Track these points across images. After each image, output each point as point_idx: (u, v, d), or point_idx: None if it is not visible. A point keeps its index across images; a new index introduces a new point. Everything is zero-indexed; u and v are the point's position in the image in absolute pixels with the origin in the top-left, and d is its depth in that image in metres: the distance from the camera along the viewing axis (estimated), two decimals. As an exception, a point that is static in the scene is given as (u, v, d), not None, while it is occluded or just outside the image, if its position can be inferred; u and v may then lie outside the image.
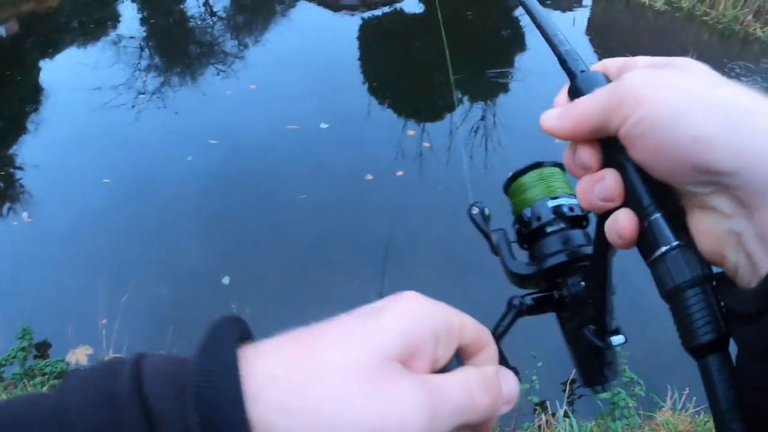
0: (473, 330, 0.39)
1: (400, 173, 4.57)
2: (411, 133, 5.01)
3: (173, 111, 5.89)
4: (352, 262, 3.92)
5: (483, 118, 5.41)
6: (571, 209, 0.53)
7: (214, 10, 7.99)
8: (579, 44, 6.39)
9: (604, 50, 6.41)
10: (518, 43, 6.67)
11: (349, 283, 3.79)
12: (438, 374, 0.34)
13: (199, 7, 8.25)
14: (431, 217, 4.27)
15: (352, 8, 7.41)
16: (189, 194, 4.57)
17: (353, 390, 0.30)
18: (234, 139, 5.14)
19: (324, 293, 3.74)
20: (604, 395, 2.96)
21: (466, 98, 5.70)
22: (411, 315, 0.35)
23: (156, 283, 3.86)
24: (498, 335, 0.56)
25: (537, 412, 3.05)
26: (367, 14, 7.24)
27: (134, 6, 9.00)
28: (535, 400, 3.04)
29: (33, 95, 7.37)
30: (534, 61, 6.11)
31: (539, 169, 0.56)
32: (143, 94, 6.32)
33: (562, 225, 0.53)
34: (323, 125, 5.14)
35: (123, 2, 9.32)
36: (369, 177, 4.52)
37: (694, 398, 2.90)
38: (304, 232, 4.13)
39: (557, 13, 7.56)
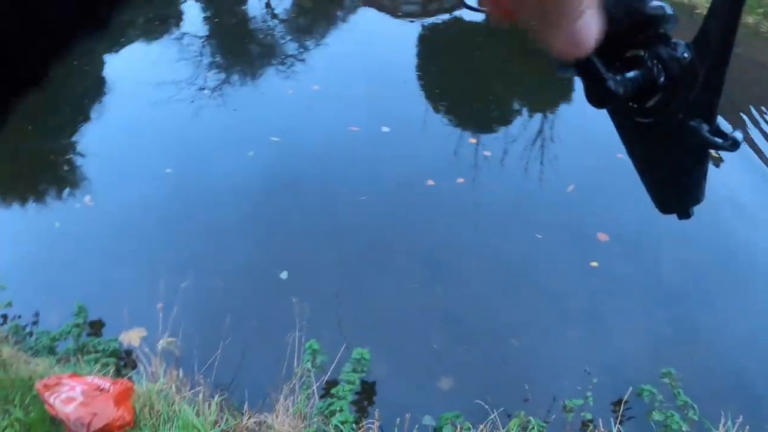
0: None
1: (460, 180, 4.52)
2: (472, 141, 4.96)
3: (233, 108, 5.97)
4: (408, 267, 3.87)
5: (542, 128, 5.33)
6: None
7: (276, 12, 8.09)
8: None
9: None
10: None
11: (403, 288, 3.75)
12: None
13: (262, 8, 8.35)
14: (488, 226, 4.20)
15: (412, 15, 7.41)
16: (249, 188, 4.61)
17: None
18: (296, 137, 5.17)
19: (379, 295, 3.72)
20: (657, 416, 2.87)
21: (526, 108, 5.63)
22: None
23: (214, 274, 3.90)
24: None
25: (590, 429, 2.97)
26: (428, 21, 7.23)
27: (198, 5, 9.19)
28: (588, 416, 2.97)
29: (97, 86, 7.58)
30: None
31: None
32: (204, 90, 6.42)
33: None
34: (384, 129, 5.13)
35: (187, 1, 9.53)
36: (430, 182, 4.49)
37: (747, 427, 2.77)
38: (363, 232, 4.11)
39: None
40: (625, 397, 2.91)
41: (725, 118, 5.12)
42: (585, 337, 3.44)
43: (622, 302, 3.63)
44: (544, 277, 3.81)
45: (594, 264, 3.85)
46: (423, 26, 7.17)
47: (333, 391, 2.77)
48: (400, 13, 7.56)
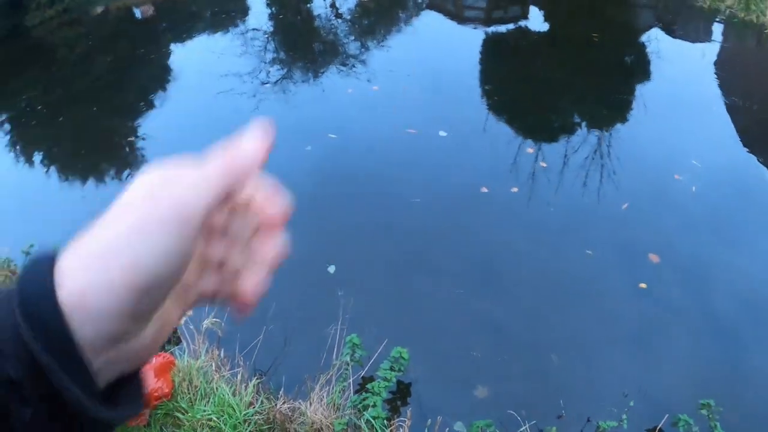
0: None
1: (514, 189, 4.46)
2: (530, 150, 4.89)
3: (293, 103, 6.06)
4: (457, 272, 3.83)
5: (600, 143, 5.21)
6: None
7: (340, 11, 8.20)
8: (706, 80, 6.06)
9: (731, 88, 6.01)
10: (642, 70, 6.40)
11: (449, 292, 3.71)
12: None
13: (326, 7, 8.48)
14: (539, 238, 4.13)
15: (476, 21, 7.40)
16: (305, 181, 4.68)
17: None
18: (353, 135, 5.22)
19: (424, 297, 3.69)
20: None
21: (585, 122, 5.51)
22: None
23: None
24: None
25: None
26: (491, 29, 7.19)
27: (264, 1, 9.40)
28: (623, 439, 2.86)
29: (162, 75, 7.83)
30: (657, 90, 5.84)
31: None
32: (266, 84, 6.54)
33: None
34: (442, 133, 5.12)
35: (254, -6, 9.77)
36: (484, 190, 4.45)
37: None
38: (413, 234, 4.11)
39: (686, 43, 7.19)
40: (660, 425, 2.81)
41: None
42: (626, 359, 3.33)
43: (668, 327, 3.50)
44: (591, 294, 3.71)
45: (642, 285, 3.72)
46: (486, 33, 7.14)
47: (368, 386, 2.75)
48: (463, 19, 7.55)
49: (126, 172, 5.63)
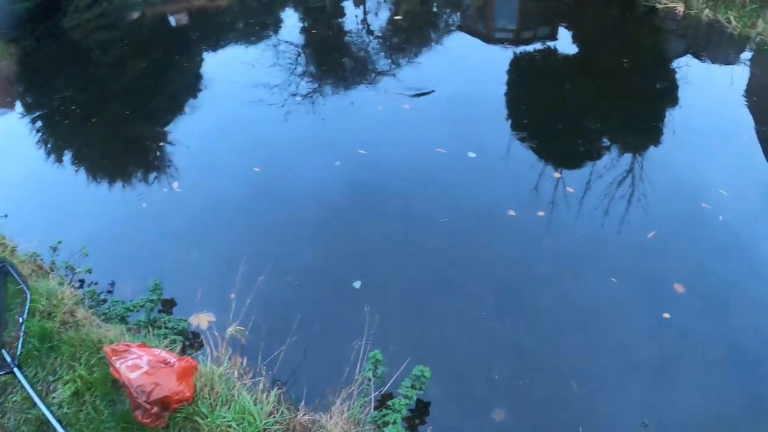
0: None
1: (541, 213, 4.45)
2: (557, 175, 4.88)
3: (321, 117, 6.13)
4: (479, 293, 3.82)
5: (628, 170, 5.17)
6: None
7: (372, 28, 8.28)
8: (735, 107, 5.99)
9: (761, 116, 5.93)
10: (671, 96, 6.35)
11: (471, 313, 3.70)
12: None
13: (358, 24, 8.58)
14: (563, 263, 4.10)
15: (505, 42, 7.42)
16: (333, 195, 4.75)
17: None
18: (382, 152, 5.28)
19: (446, 316, 3.68)
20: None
21: (612, 148, 5.48)
22: None
23: (289, 273, 4.00)
24: None
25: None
26: (520, 49, 7.21)
27: (297, 15, 9.54)
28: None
29: (193, 82, 7.96)
30: (686, 117, 5.79)
31: None
32: (295, 96, 6.61)
33: None
34: (471, 154, 5.14)
35: (286, 10, 9.91)
36: (512, 213, 4.45)
37: None
38: (439, 254, 4.12)
39: (716, 70, 7.12)
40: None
41: None
42: (646, 389, 3.27)
43: (690, 359, 3.44)
44: (613, 322, 3.67)
45: (666, 315, 3.68)
46: (515, 54, 7.16)
47: (389, 403, 2.74)
48: (493, 40, 7.58)
49: (152, 177, 5.71)
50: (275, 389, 2.80)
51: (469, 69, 6.91)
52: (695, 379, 3.30)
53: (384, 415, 2.68)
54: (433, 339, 3.44)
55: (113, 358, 2.85)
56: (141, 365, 2.77)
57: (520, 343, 3.53)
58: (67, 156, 6.70)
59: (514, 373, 3.33)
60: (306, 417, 2.61)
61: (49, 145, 7.12)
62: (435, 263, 4.05)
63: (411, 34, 8.08)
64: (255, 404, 2.65)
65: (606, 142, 5.52)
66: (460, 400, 3.17)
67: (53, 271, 4.28)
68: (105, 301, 3.98)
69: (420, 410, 3.00)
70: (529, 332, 3.60)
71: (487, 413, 3.11)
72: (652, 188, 4.83)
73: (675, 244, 4.24)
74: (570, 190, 4.71)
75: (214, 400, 2.75)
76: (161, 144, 6.36)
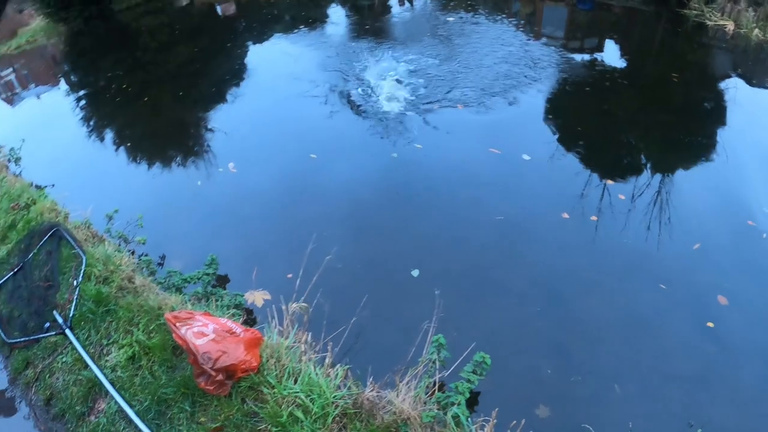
0: None
1: (593, 218, 4.44)
2: (610, 182, 4.86)
3: (377, 111, 6.14)
4: (528, 292, 3.82)
5: (675, 183, 5.15)
6: None
7: (420, 28, 8.32)
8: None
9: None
10: (718, 115, 6.30)
11: (522, 310, 3.69)
12: None
13: (408, 21, 8.63)
14: (611, 268, 4.08)
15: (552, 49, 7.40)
16: (391, 187, 4.80)
17: None
18: (439, 148, 5.33)
19: (496, 311, 3.68)
20: None
21: (661, 160, 5.45)
22: None
23: (350, 257, 4.05)
24: None
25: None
26: (567, 55, 7.19)
27: (344, 10, 9.60)
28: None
29: (238, 71, 8.05)
30: (733, 136, 5.73)
31: None
32: (338, 91, 6.64)
33: None
34: (525, 156, 5.17)
35: (334, 6, 9.97)
36: (565, 215, 4.46)
37: None
38: (492, 250, 4.14)
39: (762, 89, 7.05)
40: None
41: None
42: (687, 396, 3.25)
43: (731, 370, 3.41)
44: (657, 328, 3.64)
45: (710, 324, 3.65)
46: (563, 62, 7.15)
47: (451, 385, 2.75)
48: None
49: (207, 157, 5.78)
50: (343, 365, 2.81)
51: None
52: (735, 389, 3.28)
53: (447, 397, 2.68)
54: (480, 332, 3.43)
55: (177, 324, 2.86)
56: (207, 333, 2.79)
57: (565, 343, 3.52)
58: (121, 133, 6.82)
59: (557, 371, 3.34)
60: (373, 393, 2.61)
61: (100, 122, 7.24)
62: (488, 258, 4.07)
63: (459, 33, 8.07)
64: (323, 378, 2.66)
65: (655, 154, 5.49)
66: (504, 394, 3.16)
67: (106, 239, 4.34)
68: (154, 273, 4.03)
69: (471, 397, 2.99)
70: (575, 333, 3.60)
71: (530, 409, 3.10)
72: (698, 202, 4.80)
73: (719, 258, 4.21)
74: (622, 197, 4.70)
75: (280, 371, 2.77)
76: (215, 126, 6.44)
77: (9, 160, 6.13)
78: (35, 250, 4.18)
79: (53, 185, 5.53)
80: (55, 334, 3.49)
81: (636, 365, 3.38)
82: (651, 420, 3.09)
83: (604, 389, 3.24)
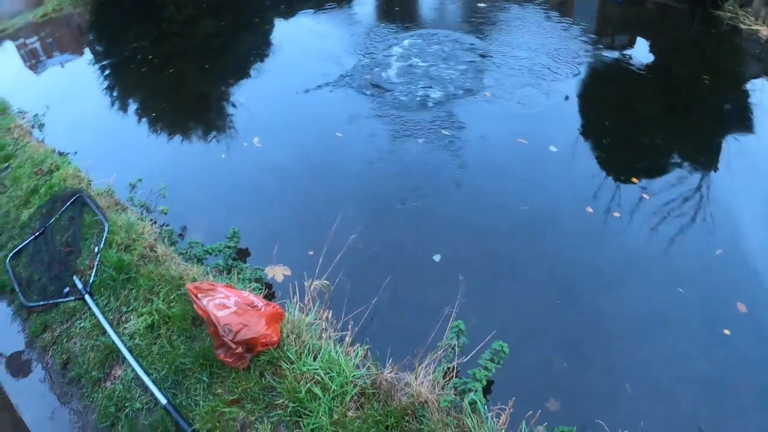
0: None
1: (616, 214, 4.40)
2: (635, 180, 4.81)
3: (407, 95, 6.10)
4: (545, 283, 3.80)
5: (700, 186, 5.08)
6: None
7: (451, 13, 8.24)
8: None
9: None
10: (747, 120, 6.20)
11: (541, 301, 3.68)
12: None
13: (439, 7, 8.55)
14: (631, 267, 4.05)
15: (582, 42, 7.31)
16: (413, 172, 4.80)
17: None
18: (466, 134, 5.32)
19: (512, 301, 3.67)
20: None
21: (686, 162, 5.38)
22: None
23: (372, 238, 4.05)
24: None
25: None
26: (597, 49, 7.10)
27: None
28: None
29: (263, 48, 8.03)
30: (761, 143, 5.64)
31: None
32: (365, 72, 6.60)
33: None
34: (552, 148, 5.12)
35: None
36: (589, 210, 4.42)
37: None
38: (514, 239, 4.12)
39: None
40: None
41: None
42: (697, 401, 3.23)
43: (745, 379, 3.38)
44: (673, 330, 3.62)
45: (726, 332, 3.62)
46: (592, 57, 7.05)
47: (469, 371, 2.74)
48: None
49: (232, 130, 5.78)
50: (363, 344, 2.81)
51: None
52: (746, 398, 3.25)
53: (465, 383, 2.67)
54: (496, 320, 3.42)
55: (198, 295, 2.88)
56: (229, 305, 2.80)
57: (579, 338, 3.51)
58: (145, 103, 6.83)
59: (570, 366, 3.32)
60: (392, 374, 2.61)
61: (124, 92, 7.27)
62: (509, 247, 4.06)
63: (490, 20, 7.99)
64: (342, 356, 2.67)
65: (681, 155, 5.41)
66: (516, 385, 3.14)
67: (129, 207, 4.36)
68: (174, 243, 4.05)
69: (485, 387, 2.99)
70: (590, 329, 3.58)
71: (541, 402, 3.09)
72: (722, 208, 4.74)
73: (741, 265, 4.16)
74: (646, 196, 4.65)
75: (300, 347, 2.78)
76: (240, 101, 6.44)
77: (33, 126, 6.17)
78: (57, 215, 4.21)
79: (76, 152, 5.56)
80: (75, 300, 3.52)
81: (649, 366, 3.37)
82: (661, 422, 3.07)
83: (616, 387, 3.23)
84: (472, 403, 2.55)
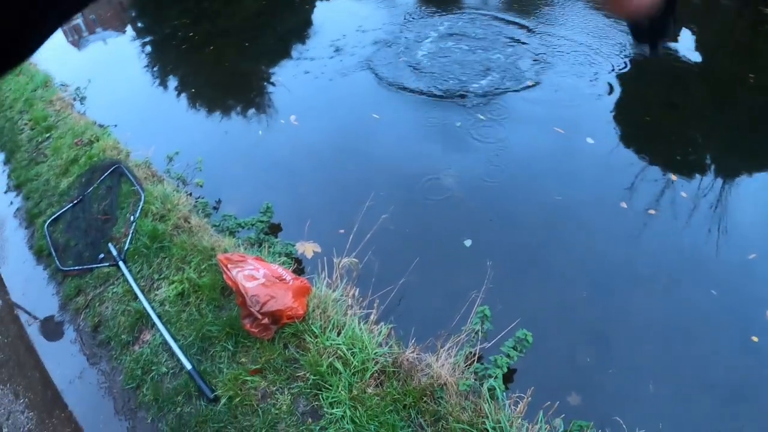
0: None
1: (651, 212, 4.32)
2: (673, 178, 4.71)
3: (447, 77, 6.09)
4: (573, 277, 3.77)
5: (738, 190, 4.95)
6: None
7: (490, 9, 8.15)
8: None
9: None
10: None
11: (564, 295, 3.64)
12: None
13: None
14: (663, 266, 3.97)
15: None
16: (451, 155, 4.80)
17: None
18: (502, 122, 5.27)
19: (540, 292, 3.65)
20: None
21: (725, 163, 5.24)
22: None
23: (403, 220, 4.07)
24: None
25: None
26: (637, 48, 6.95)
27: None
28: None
29: (304, 28, 8.05)
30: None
31: None
32: (406, 56, 6.57)
33: None
34: (589, 140, 5.05)
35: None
36: (623, 205, 4.35)
37: None
38: (546, 230, 4.09)
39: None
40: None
41: None
42: (721, 408, 3.17)
43: None
44: (700, 333, 3.55)
45: (755, 339, 3.54)
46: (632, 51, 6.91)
47: (490, 358, 2.74)
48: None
49: (270, 108, 5.84)
50: (387, 323, 2.84)
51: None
52: None
53: (485, 369, 2.68)
54: (521, 310, 3.41)
55: (228, 266, 2.94)
56: (257, 277, 2.85)
57: (606, 334, 3.47)
58: (184, 80, 6.94)
59: (594, 362, 3.30)
60: (414, 354, 2.63)
61: (164, 68, 7.39)
62: (539, 237, 4.02)
63: (527, 12, 7.88)
64: (366, 333, 2.70)
65: (721, 155, 5.28)
66: (539, 375, 3.13)
67: (165, 179, 4.45)
68: (209, 215, 4.12)
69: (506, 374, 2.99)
70: (617, 325, 3.54)
71: (562, 395, 3.07)
72: (759, 211, 4.62)
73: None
74: (684, 195, 4.55)
75: (325, 322, 2.81)
76: (278, 80, 6.49)
77: (75, 99, 6.33)
78: (95, 185, 4.33)
79: (116, 125, 5.68)
80: (109, 266, 3.63)
81: (673, 367, 3.32)
82: (681, 425, 3.04)
83: (638, 387, 3.20)
84: (491, 389, 2.56)
